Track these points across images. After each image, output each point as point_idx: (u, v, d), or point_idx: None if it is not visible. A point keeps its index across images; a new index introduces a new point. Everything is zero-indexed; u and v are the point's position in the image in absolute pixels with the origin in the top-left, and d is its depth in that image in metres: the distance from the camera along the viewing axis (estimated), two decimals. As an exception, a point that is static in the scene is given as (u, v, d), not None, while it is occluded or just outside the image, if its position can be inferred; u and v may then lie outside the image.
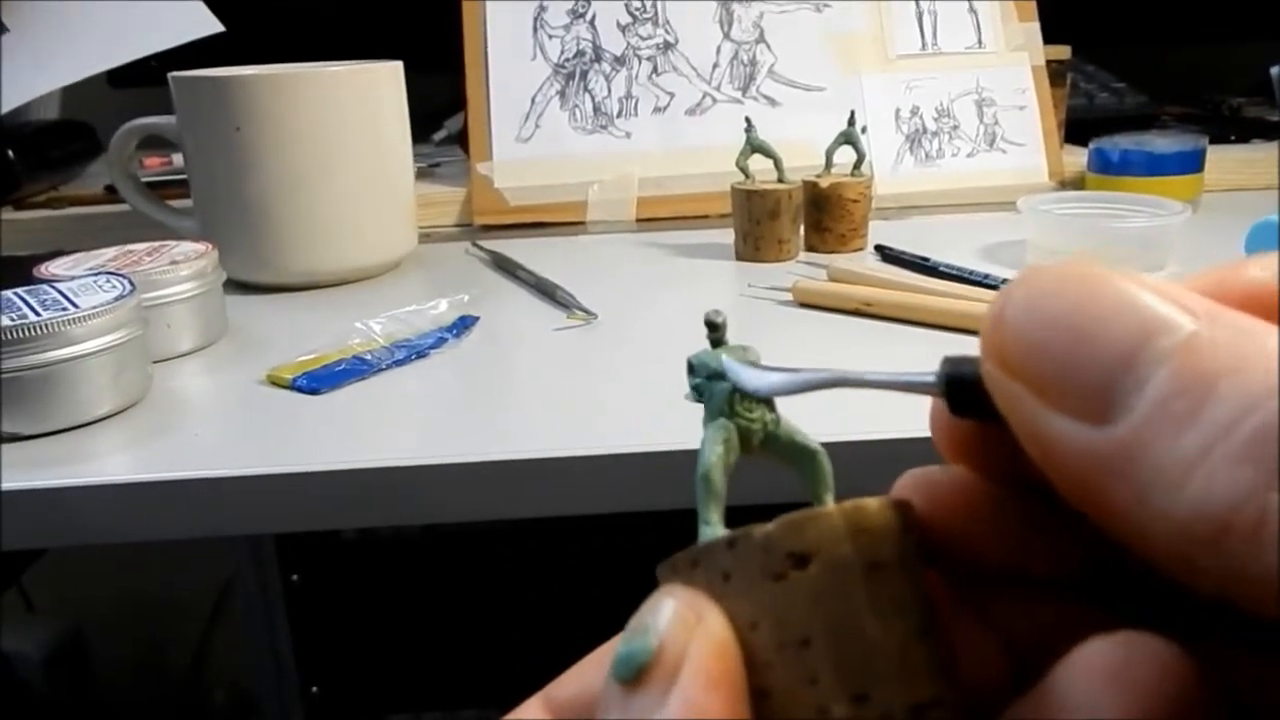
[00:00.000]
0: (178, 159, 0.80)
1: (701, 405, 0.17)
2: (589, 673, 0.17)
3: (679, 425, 0.38)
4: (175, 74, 0.57)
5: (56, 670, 0.98)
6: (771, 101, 0.74)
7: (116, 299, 0.41)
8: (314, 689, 0.78)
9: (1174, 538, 0.12)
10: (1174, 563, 0.12)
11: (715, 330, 0.18)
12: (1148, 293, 0.12)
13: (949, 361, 0.15)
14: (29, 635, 0.97)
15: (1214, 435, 0.11)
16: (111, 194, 0.76)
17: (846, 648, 0.14)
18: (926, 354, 0.43)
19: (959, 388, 0.15)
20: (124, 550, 1.11)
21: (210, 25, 0.70)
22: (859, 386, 0.16)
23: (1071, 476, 0.13)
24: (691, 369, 0.18)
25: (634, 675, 0.14)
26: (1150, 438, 0.12)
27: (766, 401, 0.17)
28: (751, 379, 0.17)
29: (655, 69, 0.74)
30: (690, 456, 0.38)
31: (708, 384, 0.17)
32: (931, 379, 0.15)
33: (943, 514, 0.16)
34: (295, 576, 0.76)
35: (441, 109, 0.90)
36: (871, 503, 0.15)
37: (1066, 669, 0.13)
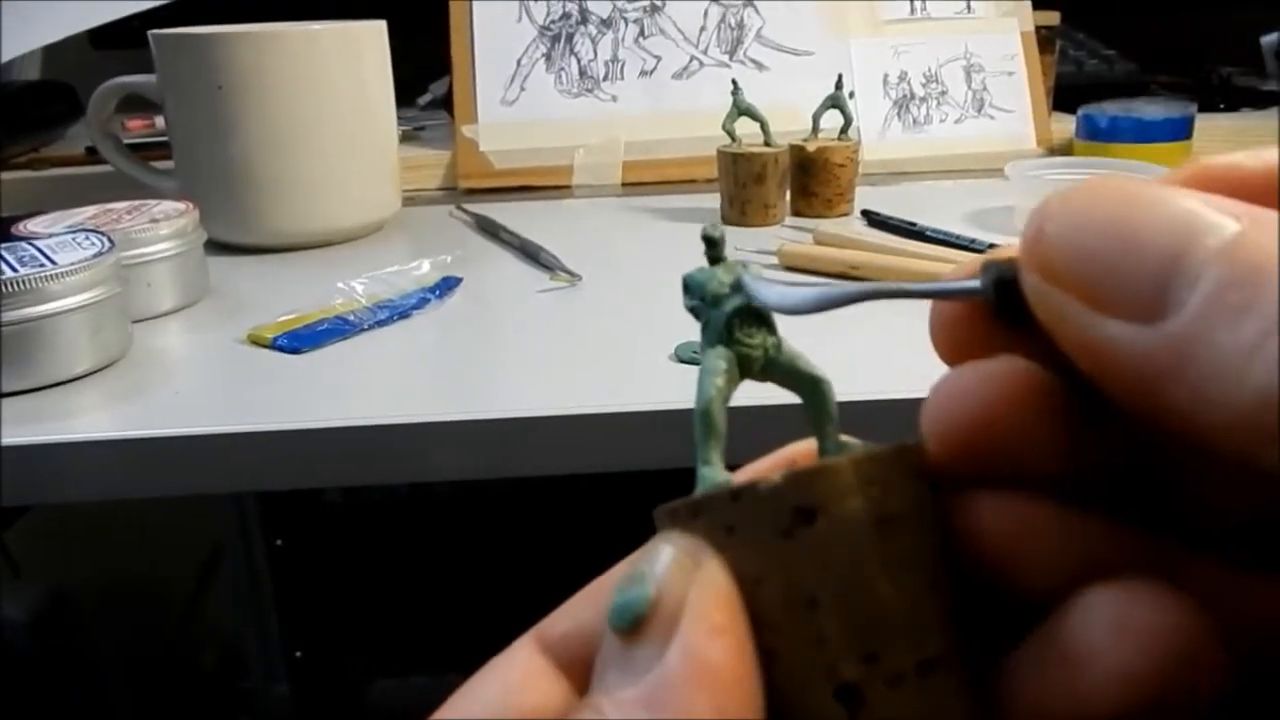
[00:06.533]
0: (160, 122, 0.79)
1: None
2: (580, 609, 0.16)
3: (662, 385, 0.38)
4: (156, 31, 0.56)
5: (44, 636, 0.98)
6: (759, 65, 0.73)
7: (95, 256, 0.40)
8: (298, 654, 0.78)
9: (1236, 428, 0.12)
10: (1235, 454, 0.12)
11: (714, 247, 0.16)
12: (1188, 198, 0.13)
13: (994, 266, 0.14)
14: (16, 601, 0.97)
15: (1273, 320, 0.11)
16: (93, 155, 0.75)
17: (856, 607, 0.13)
18: (912, 318, 0.43)
19: (1008, 291, 0.14)
20: (112, 517, 1.11)
21: (191, -16, 0.69)
22: (895, 297, 0.15)
23: (1124, 379, 0.13)
24: (687, 288, 0.16)
25: (632, 624, 0.14)
26: (1205, 330, 0.12)
27: (767, 324, 0.16)
28: (773, 296, 0.15)
29: (642, 32, 0.73)
30: (674, 416, 0.38)
31: (705, 307, 0.16)
32: (976, 284, 0.14)
33: (1002, 407, 0.14)
34: (280, 541, 0.76)
35: (427, 74, 0.89)
36: (883, 452, 0.14)
37: (1069, 615, 0.13)
